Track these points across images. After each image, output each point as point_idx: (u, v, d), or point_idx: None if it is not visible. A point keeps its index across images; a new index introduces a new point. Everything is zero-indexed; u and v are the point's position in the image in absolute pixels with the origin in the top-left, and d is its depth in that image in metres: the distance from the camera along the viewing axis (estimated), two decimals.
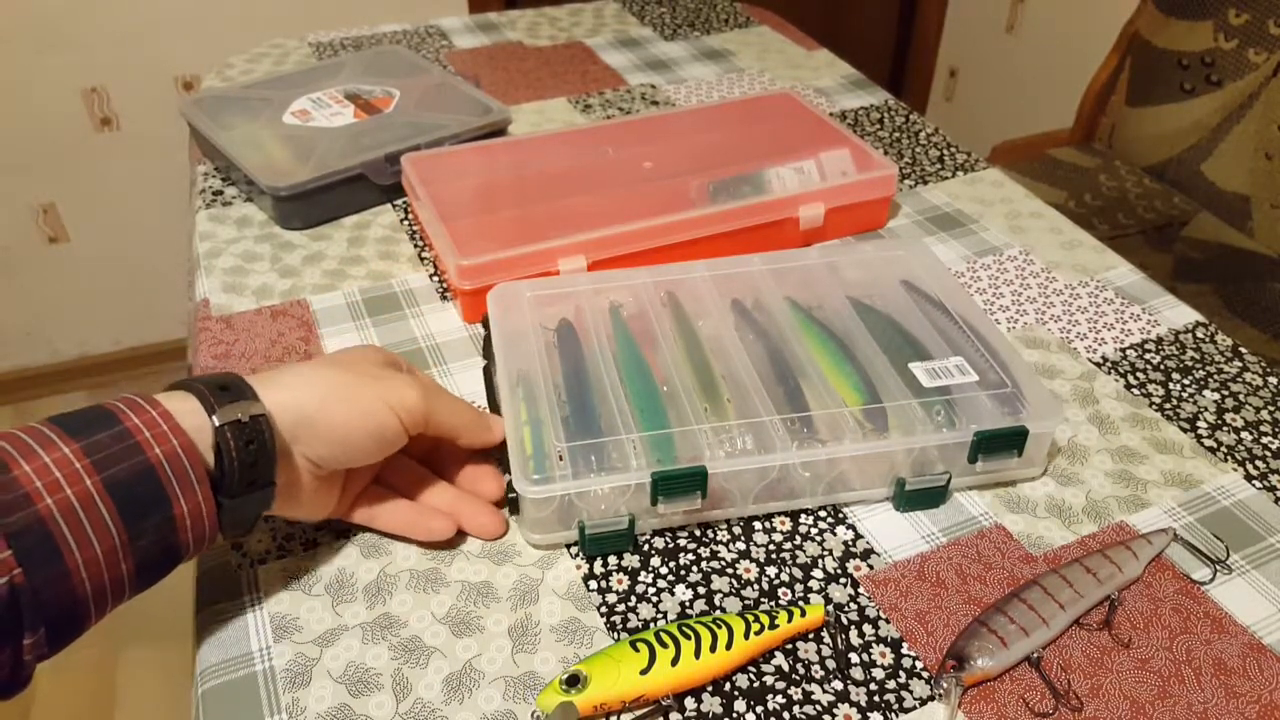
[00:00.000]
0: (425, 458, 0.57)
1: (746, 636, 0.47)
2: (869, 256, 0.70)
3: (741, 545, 0.55)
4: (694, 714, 0.46)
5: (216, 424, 0.43)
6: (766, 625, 0.48)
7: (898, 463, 0.55)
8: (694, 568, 0.53)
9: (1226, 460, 0.60)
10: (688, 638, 0.47)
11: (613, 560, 0.54)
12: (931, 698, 0.47)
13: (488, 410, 0.58)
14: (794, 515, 0.56)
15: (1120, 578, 0.52)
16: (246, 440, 0.44)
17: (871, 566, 0.53)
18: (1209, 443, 0.62)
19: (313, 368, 0.49)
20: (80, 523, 0.39)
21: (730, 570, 0.53)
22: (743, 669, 0.48)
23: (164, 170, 1.84)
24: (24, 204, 1.81)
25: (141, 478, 0.41)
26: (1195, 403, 0.65)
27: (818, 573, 0.53)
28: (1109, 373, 0.67)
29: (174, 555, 0.43)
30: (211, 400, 0.44)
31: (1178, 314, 0.73)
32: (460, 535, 0.55)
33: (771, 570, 0.53)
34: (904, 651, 0.49)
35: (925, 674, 0.48)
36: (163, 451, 0.41)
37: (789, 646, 0.49)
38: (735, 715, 0.46)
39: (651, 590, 0.52)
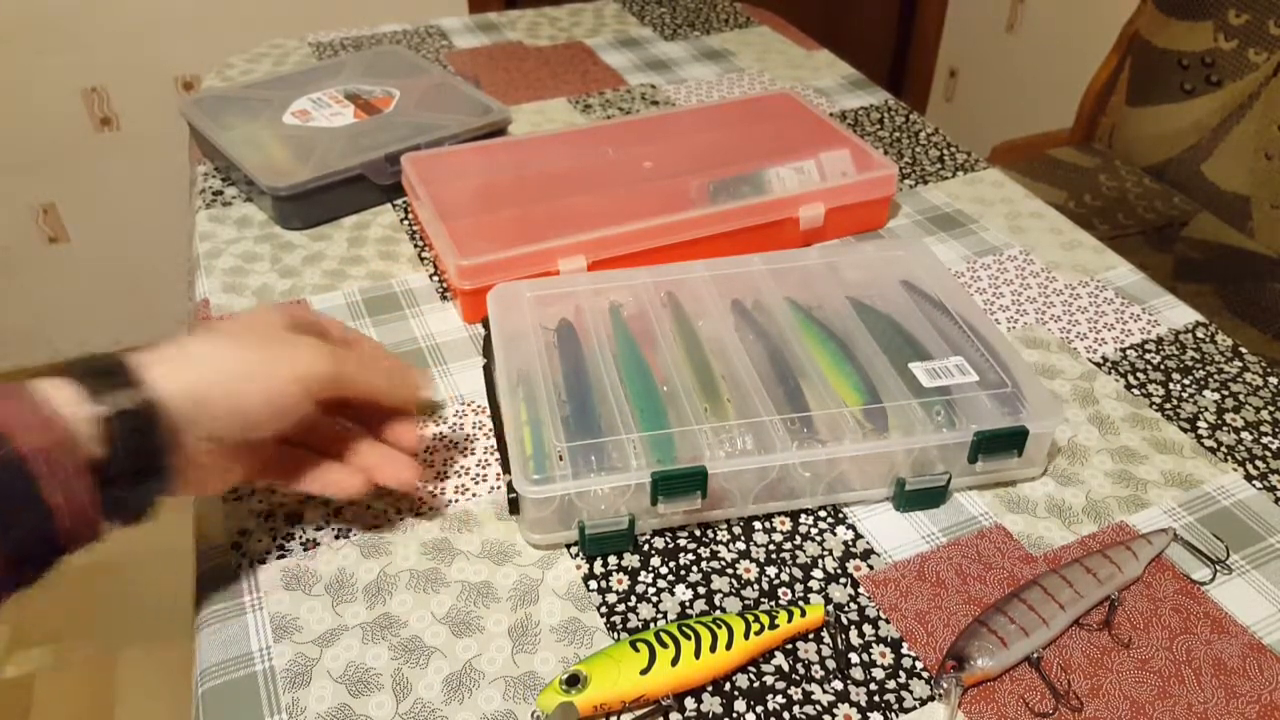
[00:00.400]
0: (342, 410, 0.55)
1: (746, 636, 0.47)
2: (869, 256, 0.70)
3: (741, 545, 0.55)
4: (694, 714, 0.46)
5: (101, 413, 0.41)
6: (766, 625, 0.48)
7: (898, 463, 0.55)
8: (694, 568, 0.53)
9: (1226, 460, 0.60)
10: (688, 638, 0.47)
11: (613, 560, 0.54)
12: (931, 698, 0.47)
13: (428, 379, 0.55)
14: (794, 515, 0.56)
15: (1120, 578, 0.52)
16: (133, 428, 0.41)
17: (871, 566, 0.53)
18: (1209, 443, 0.62)
19: (214, 341, 0.47)
20: None
21: (730, 570, 0.53)
22: (743, 669, 0.48)
23: (164, 170, 1.84)
24: (24, 204, 1.81)
25: (8, 471, 0.38)
26: (1195, 403, 0.65)
27: (818, 573, 0.53)
28: (1109, 373, 0.67)
29: (55, 548, 0.41)
30: (93, 386, 0.41)
31: (1178, 314, 0.73)
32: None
33: (771, 570, 0.53)
34: (904, 651, 0.49)
35: (925, 674, 0.48)
36: (33, 443, 0.39)
37: (789, 646, 0.49)
38: (735, 715, 0.46)
39: (651, 590, 0.52)
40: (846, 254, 0.71)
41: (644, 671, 0.45)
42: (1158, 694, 0.47)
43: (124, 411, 0.42)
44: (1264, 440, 0.62)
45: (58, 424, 0.40)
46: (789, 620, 0.49)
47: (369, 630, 0.50)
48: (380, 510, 0.56)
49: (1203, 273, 1.30)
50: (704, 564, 0.54)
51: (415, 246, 0.80)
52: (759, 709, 0.46)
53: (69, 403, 0.41)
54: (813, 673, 0.48)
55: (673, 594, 0.52)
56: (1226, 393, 0.65)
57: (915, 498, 0.56)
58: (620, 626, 0.50)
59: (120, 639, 1.50)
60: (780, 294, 0.65)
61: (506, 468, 0.52)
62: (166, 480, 0.44)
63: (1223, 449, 0.61)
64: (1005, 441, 0.55)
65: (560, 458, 0.52)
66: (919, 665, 0.48)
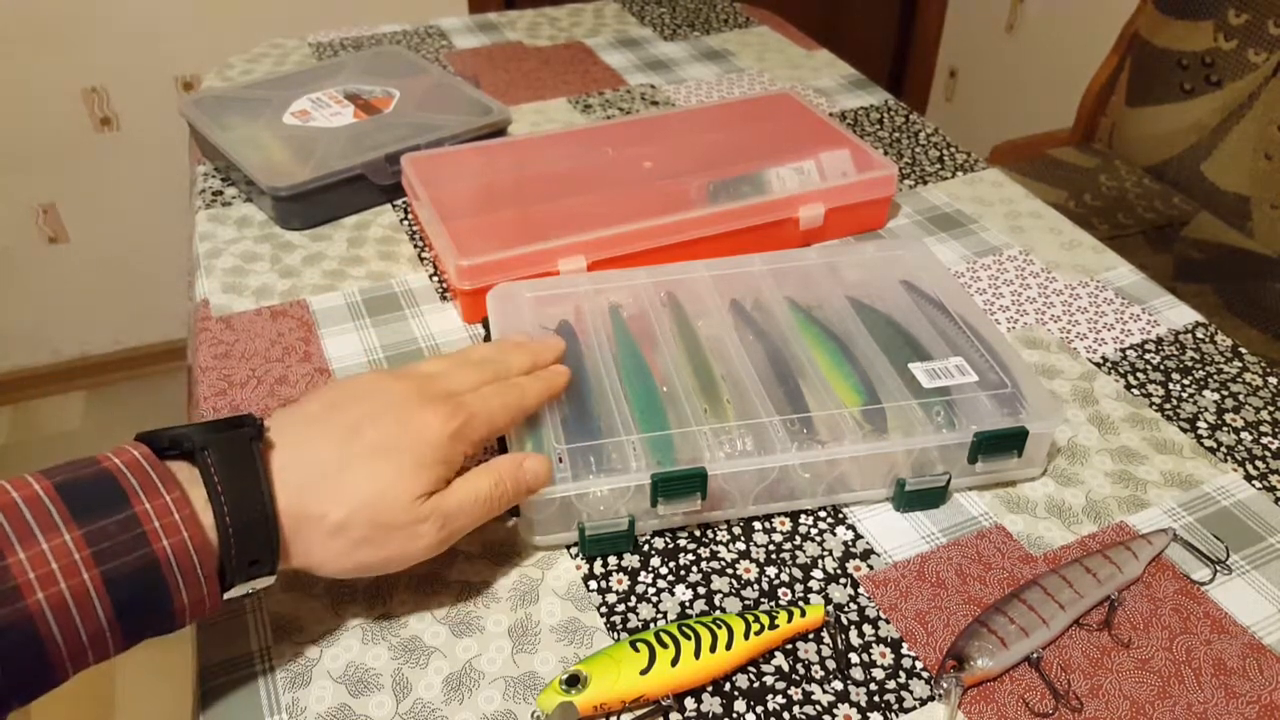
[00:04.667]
0: None
1: (746, 637, 0.47)
2: (869, 256, 0.70)
3: (741, 545, 0.55)
4: (694, 714, 0.46)
5: (225, 522, 0.41)
6: (766, 625, 0.48)
7: (897, 463, 0.55)
8: (694, 568, 0.53)
9: (1226, 460, 0.60)
10: (688, 638, 0.47)
11: (613, 560, 0.54)
12: (931, 698, 0.47)
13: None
14: (794, 516, 0.56)
15: (1120, 578, 0.52)
16: (249, 540, 0.42)
17: (871, 567, 0.53)
18: (1209, 443, 0.62)
19: (325, 442, 0.45)
20: (71, 618, 0.37)
21: (730, 570, 0.53)
22: (743, 669, 0.48)
23: (164, 170, 1.84)
24: (24, 204, 1.81)
25: (144, 573, 0.38)
26: (1195, 403, 0.65)
27: (818, 573, 0.53)
28: (1109, 373, 0.67)
29: (163, 632, 0.41)
30: (220, 484, 0.41)
31: (1178, 314, 0.73)
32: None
33: (771, 570, 0.53)
34: (904, 652, 0.49)
35: (925, 674, 0.48)
36: (171, 545, 0.39)
37: (789, 647, 0.49)
38: (735, 715, 0.46)
39: (651, 590, 0.52)
40: (846, 254, 0.71)
41: (644, 672, 0.45)
42: (1158, 694, 0.47)
43: (246, 524, 0.41)
44: (1264, 440, 0.62)
45: (194, 527, 0.40)
46: (789, 620, 0.49)
47: (369, 630, 0.50)
48: None
49: (1202, 273, 1.30)
50: (704, 564, 0.54)
51: (415, 247, 0.80)
52: (759, 709, 0.46)
53: (206, 506, 0.41)
54: (813, 673, 0.48)
55: (673, 594, 0.52)
56: (1226, 393, 0.65)
57: (915, 498, 0.56)
58: (620, 626, 0.50)
59: None
60: (780, 294, 0.65)
61: None
62: (272, 574, 0.44)
63: (1222, 449, 0.61)
64: (1005, 442, 0.55)
65: (560, 459, 0.52)
66: (919, 665, 0.48)
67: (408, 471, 0.45)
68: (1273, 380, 0.66)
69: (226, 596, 0.43)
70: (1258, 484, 0.59)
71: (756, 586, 0.52)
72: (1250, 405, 0.64)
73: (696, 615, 0.51)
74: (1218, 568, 0.53)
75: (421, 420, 0.46)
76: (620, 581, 0.53)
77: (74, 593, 0.37)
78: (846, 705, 0.47)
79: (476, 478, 0.48)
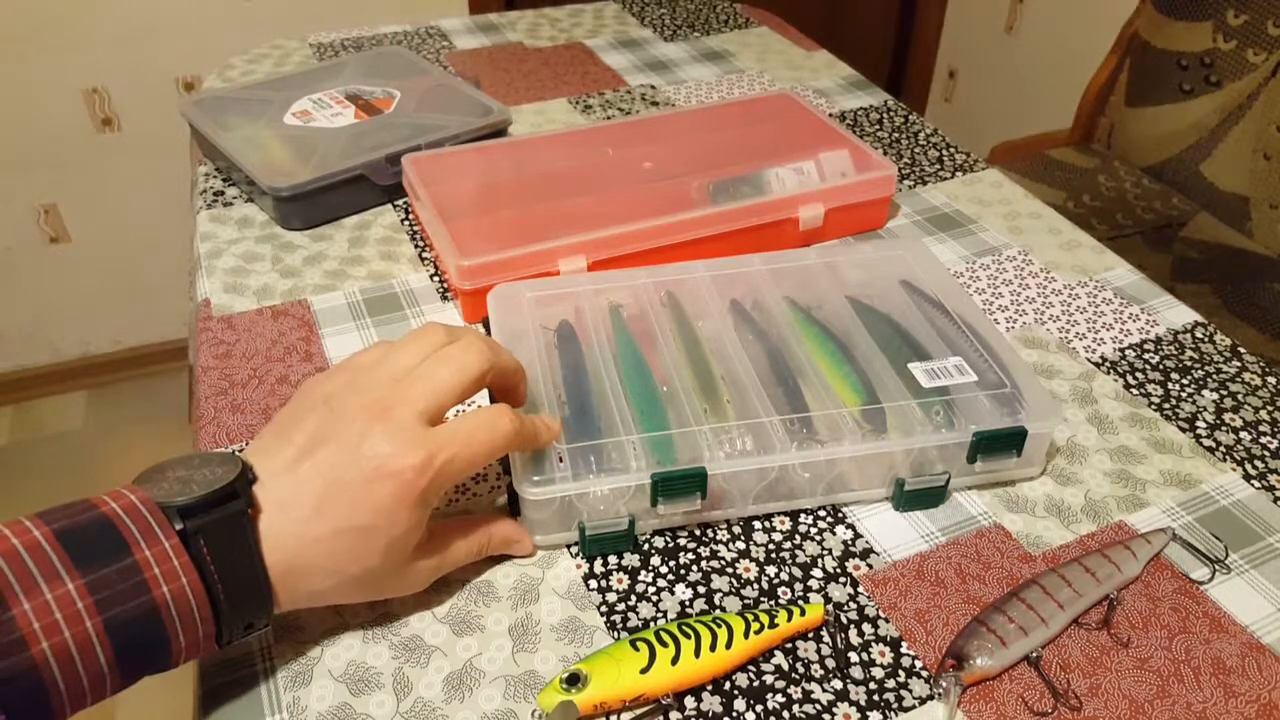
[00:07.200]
0: None
1: (746, 636, 0.48)
2: (868, 257, 0.70)
3: (741, 545, 0.55)
4: (694, 713, 0.46)
5: (213, 570, 0.41)
6: (766, 624, 0.48)
7: (897, 463, 0.56)
8: (694, 567, 0.54)
9: (1225, 460, 0.60)
10: (688, 637, 0.47)
11: (613, 559, 0.54)
12: (931, 697, 0.47)
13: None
14: (793, 515, 0.57)
15: (1119, 577, 0.52)
16: (238, 585, 0.42)
17: (871, 566, 0.54)
18: (1208, 442, 0.62)
19: (296, 486, 0.44)
20: (74, 666, 0.38)
21: (730, 570, 0.53)
22: (742, 668, 0.48)
23: (165, 171, 1.85)
24: (25, 204, 1.81)
25: (144, 619, 0.39)
26: (1194, 403, 0.65)
27: (817, 572, 0.53)
28: (1108, 373, 0.67)
29: (161, 671, 0.42)
30: (220, 582, 0.42)
31: (1176, 314, 0.73)
32: None
33: (771, 569, 0.53)
34: (903, 651, 0.49)
35: (924, 673, 0.48)
36: (170, 590, 0.40)
37: (789, 646, 0.50)
38: (735, 714, 0.46)
39: (651, 589, 0.52)
40: (846, 254, 0.71)
41: (644, 670, 0.46)
42: (1156, 693, 0.47)
43: (241, 600, 0.43)
44: (1262, 440, 0.62)
45: (191, 572, 0.40)
46: (789, 619, 0.49)
47: (369, 629, 0.50)
48: None
49: (1201, 273, 1.30)
50: (704, 563, 0.54)
51: (416, 247, 0.80)
52: (759, 708, 0.47)
53: (188, 556, 0.41)
54: (812, 672, 0.48)
55: (673, 593, 0.52)
56: (1225, 392, 0.66)
57: (914, 497, 0.56)
58: (620, 626, 0.50)
59: None
60: (780, 294, 0.66)
61: (507, 468, 0.52)
62: (270, 613, 0.45)
63: (1221, 449, 0.61)
64: (1004, 442, 0.55)
65: (560, 459, 0.52)
66: (918, 664, 0.49)
67: (383, 548, 0.46)
68: (1271, 380, 0.67)
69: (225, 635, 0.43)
70: (1256, 483, 0.59)
71: (756, 585, 0.52)
72: (1249, 405, 0.65)
73: (696, 614, 0.51)
74: (1216, 567, 0.54)
75: (387, 495, 0.45)
76: (620, 581, 0.53)
77: (77, 641, 0.38)
78: (846, 704, 0.47)
79: (467, 542, 0.51)
